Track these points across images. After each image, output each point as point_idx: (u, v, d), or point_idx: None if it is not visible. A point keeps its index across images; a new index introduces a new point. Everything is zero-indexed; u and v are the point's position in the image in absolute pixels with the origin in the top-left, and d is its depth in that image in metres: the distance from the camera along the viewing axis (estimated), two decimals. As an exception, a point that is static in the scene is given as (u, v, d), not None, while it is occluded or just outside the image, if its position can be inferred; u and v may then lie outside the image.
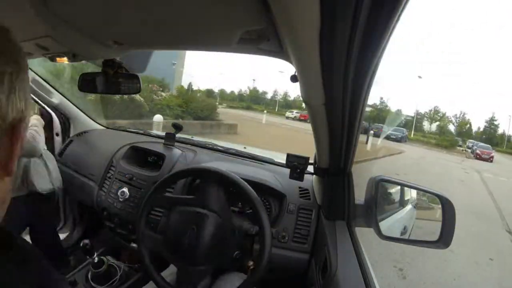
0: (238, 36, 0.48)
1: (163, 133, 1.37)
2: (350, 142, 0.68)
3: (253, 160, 1.24)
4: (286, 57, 0.51)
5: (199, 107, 9.00)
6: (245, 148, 1.41)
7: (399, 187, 0.92)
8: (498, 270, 3.15)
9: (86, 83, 0.86)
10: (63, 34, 0.57)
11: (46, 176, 1.28)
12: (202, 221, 0.83)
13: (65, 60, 0.72)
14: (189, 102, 8.89)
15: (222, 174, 0.87)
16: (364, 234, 0.86)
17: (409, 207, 0.94)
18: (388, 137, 18.94)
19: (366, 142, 11.17)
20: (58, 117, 1.50)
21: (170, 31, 0.54)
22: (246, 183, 0.86)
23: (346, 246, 0.76)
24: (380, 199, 0.81)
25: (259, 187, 1.00)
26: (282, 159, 1.03)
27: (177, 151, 1.25)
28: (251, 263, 0.82)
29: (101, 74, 0.79)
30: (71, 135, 1.53)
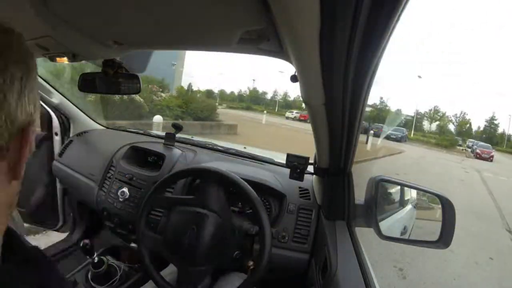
0: (238, 36, 0.48)
1: (163, 133, 1.37)
2: (350, 142, 0.68)
3: (253, 160, 1.24)
4: (286, 57, 0.51)
5: (199, 107, 9.02)
6: (245, 148, 1.41)
7: (399, 187, 0.92)
8: (498, 270, 3.14)
9: (86, 83, 0.86)
10: (63, 34, 0.57)
11: None
12: (202, 221, 0.83)
13: (65, 60, 0.72)
14: (188, 103, 8.91)
15: (222, 174, 0.87)
16: (364, 234, 0.86)
17: (409, 207, 0.94)
18: (388, 137, 18.81)
19: (366, 142, 11.14)
20: (57, 117, 1.50)
21: (170, 31, 0.54)
22: (246, 183, 0.86)
23: (346, 246, 0.76)
24: (380, 199, 0.81)
25: (259, 187, 1.00)
26: (282, 159, 1.03)
27: (177, 151, 1.25)
28: (251, 263, 0.82)
29: (101, 74, 0.79)
30: (71, 135, 1.53)
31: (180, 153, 1.23)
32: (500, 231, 4.56)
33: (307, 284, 0.92)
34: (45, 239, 1.59)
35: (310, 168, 0.93)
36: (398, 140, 19.18)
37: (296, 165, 0.91)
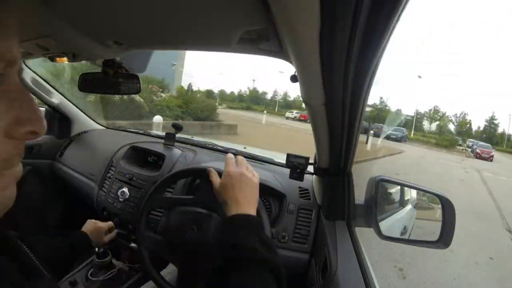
0: (238, 36, 0.48)
1: (163, 133, 1.37)
2: (350, 142, 0.68)
3: (253, 160, 1.24)
4: (286, 57, 0.51)
5: (199, 107, 9.03)
6: (245, 148, 1.41)
7: (399, 187, 0.92)
8: (499, 270, 3.14)
9: (86, 83, 0.86)
10: (63, 34, 0.57)
11: None
12: (202, 221, 0.83)
13: (65, 60, 0.72)
14: (188, 103, 8.92)
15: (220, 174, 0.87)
16: (363, 234, 0.86)
17: (409, 207, 0.94)
18: (388, 137, 19.17)
19: (366, 142, 11.11)
20: (57, 117, 1.50)
21: (170, 31, 0.53)
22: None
23: (346, 246, 0.76)
24: (380, 199, 0.81)
25: (259, 187, 1.00)
26: (282, 159, 1.03)
27: (177, 151, 1.25)
28: None
29: (101, 74, 0.79)
30: (71, 135, 1.53)
31: (180, 153, 1.23)
32: (500, 231, 4.55)
33: (307, 284, 0.92)
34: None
35: (310, 168, 0.93)
36: (398, 140, 19.33)
37: (296, 165, 0.91)
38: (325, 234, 0.82)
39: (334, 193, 0.86)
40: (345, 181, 0.84)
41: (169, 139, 1.32)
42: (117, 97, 5.46)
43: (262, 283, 0.45)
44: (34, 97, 1.35)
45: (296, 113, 24.99)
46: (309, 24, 0.31)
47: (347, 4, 0.28)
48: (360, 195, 0.86)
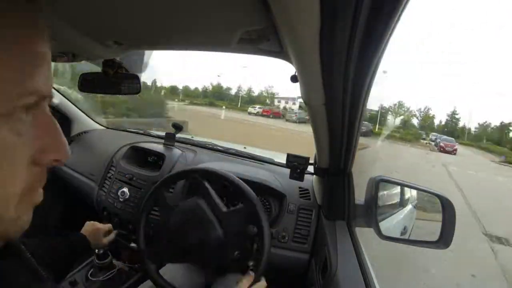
0: (238, 36, 0.48)
1: (163, 133, 1.37)
2: (350, 142, 0.68)
3: (253, 160, 1.24)
4: (286, 57, 0.51)
5: (147, 104, 8.41)
6: (245, 148, 1.41)
7: (399, 187, 0.92)
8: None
9: (86, 83, 0.85)
10: (63, 34, 0.57)
11: None
12: (203, 220, 0.82)
13: (65, 60, 0.72)
14: (137, 100, 8.32)
15: (221, 175, 0.87)
16: (363, 234, 0.86)
17: (409, 207, 0.94)
18: None
19: None
20: (57, 117, 1.50)
21: (170, 31, 0.53)
22: (244, 184, 0.86)
23: (346, 246, 0.76)
24: (380, 199, 0.81)
25: (259, 187, 1.00)
26: (282, 159, 1.03)
27: (177, 151, 1.25)
28: (251, 263, 0.82)
29: (101, 74, 0.79)
30: (71, 135, 1.53)
31: (180, 153, 1.23)
32: (478, 234, 4.23)
33: (307, 284, 0.92)
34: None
35: (310, 168, 0.94)
36: (362, 134, 18.85)
37: (296, 165, 0.91)
38: (325, 234, 0.82)
39: (334, 193, 0.86)
40: (345, 181, 0.84)
41: (169, 139, 1.32)
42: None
43: None
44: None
45: (259, 108, 24.70)
46: (309, 24, 0.31)
47: (347, 4, 0.28)
48: (360, 195, 0.86)
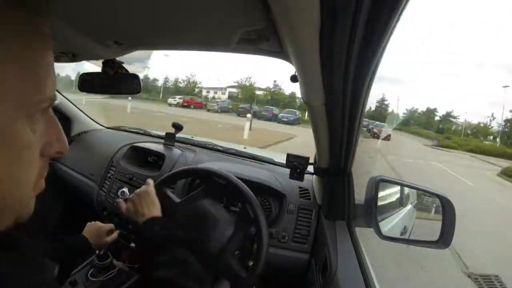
0: (238, 36, 0.48)
1: (163, 133, 1.37)
2: (350, 142, 0.68)
3: (253, 160, 1.24)
4: (286, 57, 0.51)
5: None
6: (245, 148, 1.41)
7: (399, 187, 0.92)
8: None
9: (86, 83, 0.85)
10: (63, 34, 0.57)
11: None
12: (206, 222, 0.82)
13: (65, 60, 0.72)
14: None
15: (220, 175, 0.87)
16: (363, 234, 0.86)
17: (409, 207, 0.94)
18: (279, 120, 18.44)
19: (251, 128, 9.18)
20: (57, 117, 1.50)
21: (170, 31, 0.54)
22: (243, 184, 0.86)
23: (346, 246, 0.76)
24: (380, 199, 0.81)
25: (259, 187, 1.00)
26: (282, 159, 1.03)
27: (177, 151, 1.25)
28: (251, 263, 0.82)
29: (101, 74, 0.79)
30: (71, 135, 1.53)
31: (180, 153, 1.23)
32: (459, 276, 2.77)
33: (307, 284, 0.92)
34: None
35: (310, 168, 0.94)
36: (290, 123, 18.02)
37: (296, 165, 0.92)
38: (325, 234, 0.82)
39: (334, 193, 0.86)
40: (345, 181, 0.84)
41: (169, 139, 1.32)
42: None
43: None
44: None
45: (179, 98, 23.46)
46: (309, 24, 0.31)
47: (347, 4, 0.28)
48: (360, 195, 0.86)
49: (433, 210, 0.79)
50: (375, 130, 18.71)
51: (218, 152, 1.31)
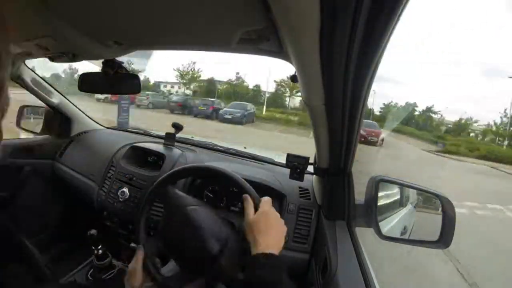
0: (238, 36, 0.48)
1: (163, 133, 1.37)
2: (350, 142, 0.68)
3: (253, 160, 1.24)
4: (286, 57, 0.51)
5: None
6: (245, 148, 1.41)
7: (399, 187, 0.92)
8: None
9: (86, 83, 0.85)
10: (63, 34, 0.57)
11: None
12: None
13: (65, 60, 0.72)
14: None
15: (223, 174, 0.86)
16: (363, 234, 0.86)
17: (409, 207, 0.94)
18: (221, 118, 13.51)
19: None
20: (58, 117, 1.50)
21: (170, 31, 0.54)
22: (246, 182, 0.86)
23: (346, 246, 0.76)
24: (380, 199, 0.81)
25: (259, 187, 1.00)
26: (282, 159, 1.03)
27: (177, 151, 1.25)
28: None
29: (101, 74, 0.79)
30: (71, 135, 1.53)
31: (180, 153, 1.23)
32: None
33: (307, 284, 0.92)
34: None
35: (310, 168, 0.93)
36: (237, 122, 13.45)
37: (296, 165, 0.91)
38: (325, 234, 0.82)
39: (334, 193, 0.86)
40: (345, 181, 0.84)
41: (169, 139, 1.32)
42: None
43: None
44: (35, 97, 1.36)
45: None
46: (309, 24, 0.31)
47: (347, 4, 0.28)
48: (360, 195, 0.86)
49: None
50: (362, 132, 14.00)
51: (218, 152, 1.31)
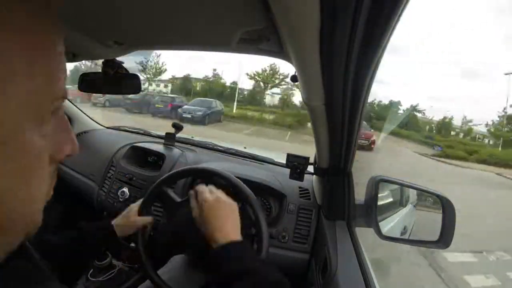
0: (238, 36, 0.48)
1: (163, 133, 1.37)
2: (350, 142, 0.68)
3: (253, 160, 1.24)
4: (286, 57, 0.51)
5: None
6: (245, 148, 1.41)
7: (399, 187, 0.92)
8: None
9: (86, 83, 0.85)
10: (63, 34, 0.57)
11: None
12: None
13: (65, 60, 0.72)
14: None
15: (219, 175, 0.87)
16: (363, 234, 0.86)
17: (409, 207, 0.94)
18: (181, 117, 11.03)
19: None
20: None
21: (170, 31, 0.54)
22: (243, 184, 0.86)
23: (346, 246, 0.76)
24: (380, 199, 0.82)
25: (259, 187, 1.00)
26: (282, 159, 1.03)
27: (177, 151, 1.25)
28: None
29: (101, 74, 0.79)
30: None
31: (180, 153, 1.23)
32: None
33: (307, 284, 0.92)
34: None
35: (310, 168, 0.94)
36: (198, 121, 11.29)
37: (296, 165, 0.92)
38: (325, 234, 0.83)
39: (334, 193, 0.86)
40: (345, 181, 0.84)
41: (169, 139, 1.32)
42: None
43: None
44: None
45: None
46: (309, 24, 0.31)
47: (347, 4, 0.28)
48: (360, 195, 0.86)
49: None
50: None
51: (218, 152, 1.31)
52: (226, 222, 0.60)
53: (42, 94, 0.21)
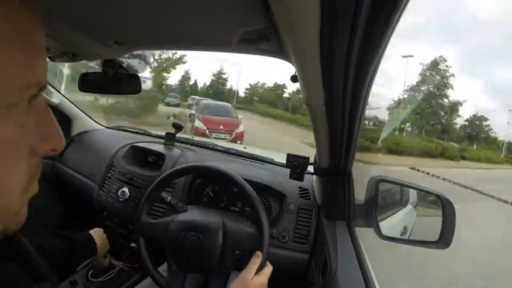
0: (238, 36, 0.48)
1: (163, 133, 1.37)
2: (350, 142, 0.68)
3: (253, 160, 1.24)
4: (286, 57, 0.51)
5: None
6: (245, 148, 1.41)
7: (399, 187, 0.92)
8: None
9: (86, 83, 0.85)
10: (63, 34, 0.57)
11: None
12: (206, 229, 0.82)
13: (65, 60, 0.72)
14: None
15: (222, 173, 0.86)
16: (364, 235, 0.86)
17: (409, 207, 0.94)
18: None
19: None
20: (57, 117, 1.50)
21: (170, 31, 0.54)
22: (245, 182, 0.86)
23: (346, 246, 0.76)
24: (380, 199, 0.81)
25: (259, 187, 1.00)
26: (282, 159, 1.03)
27: (177, 151, 1.25)
28: None
29: (101, 74, 0.79)
30: (71, 135, 1.53)
31: (180, 153, 1.23)
32: None
33: (307, 284, 0.92)
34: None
35: (310, 168, 0.94)
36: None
37: (296, 165, 0.92)
38: (325, 234, 0.83)
39: (334, 193, 0.86)
40: (345, 181, 0.84)
41: (169, 139, 1.32)
42: None
43: None
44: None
45: None
46: (309, 24, 0.31)
47: (347, 4, 0.28)
48: (360, 195, 0.86)
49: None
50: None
51: (218, 152, 1.31)
52: None
53: (12, 81, 0.21)
